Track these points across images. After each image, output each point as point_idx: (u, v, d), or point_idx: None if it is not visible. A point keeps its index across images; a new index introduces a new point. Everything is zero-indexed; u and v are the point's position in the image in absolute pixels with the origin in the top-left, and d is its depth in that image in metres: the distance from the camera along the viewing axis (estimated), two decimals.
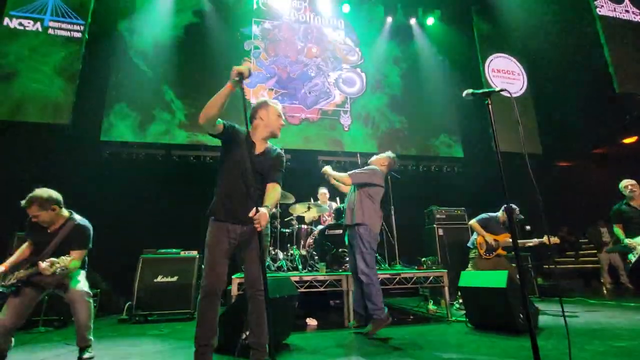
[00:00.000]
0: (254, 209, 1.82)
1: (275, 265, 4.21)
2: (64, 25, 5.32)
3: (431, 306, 4.39)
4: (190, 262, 4.35)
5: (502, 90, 1.72)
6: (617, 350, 2.39)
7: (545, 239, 4.10)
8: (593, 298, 5.34)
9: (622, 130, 7.22)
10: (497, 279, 3.04)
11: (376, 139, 6.74)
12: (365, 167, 3.48)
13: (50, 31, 5.24)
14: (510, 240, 4.17)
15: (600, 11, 5.50)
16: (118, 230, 4.97)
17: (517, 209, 4.36)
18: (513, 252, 4.28)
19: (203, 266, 2.00)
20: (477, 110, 6.51)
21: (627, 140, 7.54)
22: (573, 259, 7.50)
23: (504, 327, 3.00)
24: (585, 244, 7.38)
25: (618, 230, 4.15)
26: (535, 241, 4.29)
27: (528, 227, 5.45)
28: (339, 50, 7.07)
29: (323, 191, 5.48)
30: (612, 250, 4.89)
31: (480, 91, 1.73)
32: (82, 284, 2.44)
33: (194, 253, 4.40)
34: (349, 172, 3.39)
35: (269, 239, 2.39)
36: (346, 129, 6.62)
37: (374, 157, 3.66)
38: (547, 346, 2.54)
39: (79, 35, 5.31)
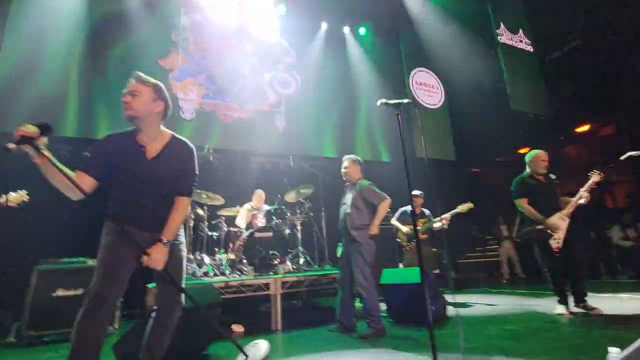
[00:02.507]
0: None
1: (201, 270, 3.99)
2: None
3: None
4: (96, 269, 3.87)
5: (409, 102, 1.87)
6: (507, 333, 2.76)
7: (458, 208, 4.55)
8: (494, 288, 6.13)
9: (518, 141, 8.46)
10: (412, 275, 3.29)
11: (310, 141, 6.82)
12: (366, 183, 3.36)
13: None
14: (425, 224, 4.65)
15: (500, 39, 6.38)
16: (3, 236, 4.20)
17: (421, 193, 4.81)
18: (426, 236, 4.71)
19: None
20: (403, 118, 7.02)
21: (522, 151, 8.86)
22: (481, 254, 8.51)
23: (419, 319, 3.26)
24: (490, 240, 8.43)
25: (525, 205, 3.39)
26: (446, 217, 4.57)
27: (445, 227, 5.80)
28: (274, 50, 7.02)
29: (259, 193, 5.36)
30: (522, 235, 3.45)
31: (392, 102, 1.87)
32: None
33: None
34: (380, 201, 3.23)
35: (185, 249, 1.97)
36: (280, 130, 6.58)
37: (352, 167, 3.45)
38: (451, 334, 2.83)
39: None
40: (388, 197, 3.27)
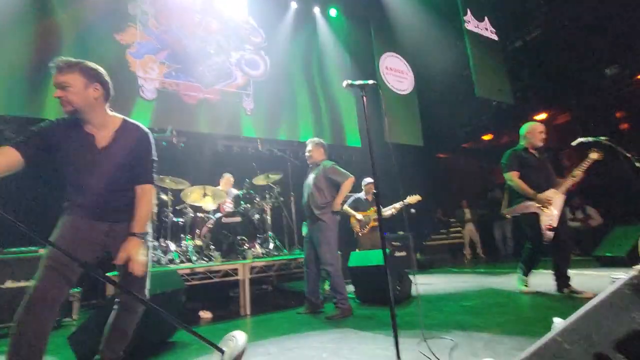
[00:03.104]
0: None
1: (167, 258, 3.86)
2: None
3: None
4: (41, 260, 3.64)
5: (374, 83, 1.86)
6: (465, 309, 2.92)
7: (407, 199, 4.76)
8: (456, 267, 6.46)
9: (482, 129, 8.80)
10: (378, 257, 3.38)
11: (279, 125, 6.69)
12: (329, 163, 3.40)
13: None
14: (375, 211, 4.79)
15: (467, 26, 6.50)
16: None
17: (370, 181, 4.90)
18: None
19: None
20: (372, 103, 7.05)
21: (486, 137, 9.24)
22: (445, 236, 8.91)
23: (383, 299, 3.37)
24: (454, 222, 8.83)
25: (515, 179, 3.14)
26: (396, 206, 4.84)
27: (413, 210, 5.85)
28: (242, 29, 6.72)
29: (227, 177, 5.23)
30: (510, 211, 3.25)
31: (357, 83, 1.84)
32: None
33: None
34: (344, 179, 3.26)
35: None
36: (248, 113, 6.39)
37: (315, 150, 3.46)
38: (414, 312, 2.95)
39: None
40: (352, 176, 3.32)
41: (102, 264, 1.88)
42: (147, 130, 1.76)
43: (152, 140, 1.77)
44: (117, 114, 1.74)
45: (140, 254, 1.58)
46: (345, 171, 3.36)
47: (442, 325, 2.45)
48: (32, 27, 4.83)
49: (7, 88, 4.56)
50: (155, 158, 1.78)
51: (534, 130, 3.28)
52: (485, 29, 6.83)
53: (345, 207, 4.87)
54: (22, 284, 3.47)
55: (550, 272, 3.23)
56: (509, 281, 4.03)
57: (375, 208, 4.81)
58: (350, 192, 5.32)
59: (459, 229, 8.51)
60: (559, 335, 0.90)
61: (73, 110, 1.55)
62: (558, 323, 1.82)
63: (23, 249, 3.59)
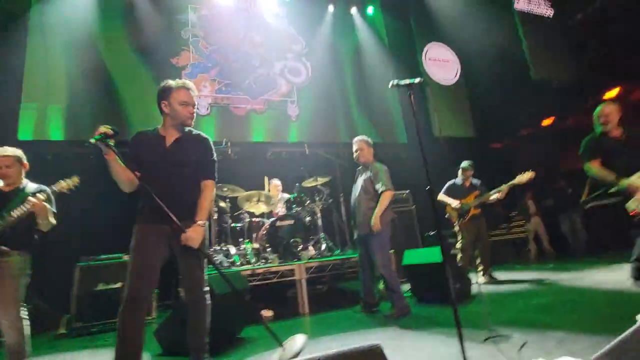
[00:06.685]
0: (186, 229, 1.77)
1: (228, 261, 4.15)
2: None
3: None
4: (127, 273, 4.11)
5: (421, 80, 1.85)
6: (534, 307, 2.75)
7: (516, 179, 4.20)
8: (521, 264, 6.03)
9: (541, 113, 8.10)
10: (434, 255, 3.30)
11: (324, 128, 6.82)
12: (379, 167, 3.31)
13: None
14: (477, 197, 4.33)
15: (516, 6, 6.05)
16: (46, 237, 4.51)
17: (470, 165, 4.55)
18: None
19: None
20: (417, 97, 6.88)
21: (546, 122, 8.48)
22: (505, 231, 8.33)
23: (443, 297, 3.28)
24: (516, 216, 8.22)
25: (597, 168, 2.87)
26: (501, 189, 4.26)
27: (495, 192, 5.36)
28: (283, 39, 6.98)
29: (276, 183, 5.45)
30: (590, 201, 3.12)
31: (403, 82, 1.85)
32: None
33: None
34: (383, 189, 3.17)
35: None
36: (293, 119, 6.61)
37: (365, 148, 3.39)
38: (477, 310, 2.84)
39: None
40: (392, 189, 3.21)
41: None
42: (206, 135, 2.05)
43: (212, 143, 2.04)
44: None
45: (199, 238, 1.81)
46: (387, 180, 3.23)
47: (509, 323, 2.33)
48: (98, 54, 5.53)
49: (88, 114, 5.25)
50: (215, 159, 2.04)
51: (596, 117, 2.99)
52: (538, 5, 6.30)
53: (440, 195, 4.62)
54: (111, 286, 3.98)
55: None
56: (583, 277, 3.68)
57: (476, 193, 4.48)
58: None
59: (520, 222, 7.89)
60: (635, 333, 0.85)
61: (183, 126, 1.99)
62: None
63: (110, 255, 4.11)
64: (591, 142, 2.98)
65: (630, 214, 2.70)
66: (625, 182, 2.70)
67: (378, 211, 3.12)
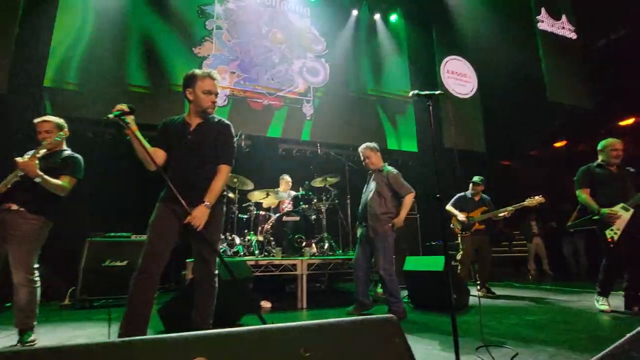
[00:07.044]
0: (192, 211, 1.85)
1: (232, 250, 4.25)
2: None
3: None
4: (142, 247, 4.23)
5: (441, 93, 1.92)
6: (528, 323, 2.80)
7: (526, 202, 4.23)
8: (518, 282, 6.05)
9: (553, 135, 8.10)
10: (436, 263, 3.37)
11: (337, 129, 6.90)
12: (394, 172, 3.39)
13: None
14: (484, 212, 4.40)
15: (540, 26, 6.08)
16: (65, 210, 4.66)
17: (481, 180, 4.58)
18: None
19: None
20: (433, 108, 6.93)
21: (558, 144, 8.47)
22: (507, 248, 8.34)
23: (440, 305, 3.34)
24: (517, 235, 8.23)
25: (583, 196, 3.25)
26: (509, 209, 4.31)
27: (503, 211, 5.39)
28: (304, 38, 7.08)
29: (287, 179, 5.53)
30: (575, 225, 3.45)
31: (424, 93, 1.91)
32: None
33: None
34: (406, 193, 3.27)
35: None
36: (308, 118, 6.70)
37: (373, 155, 3.48)
38: (472, 320, 2.90)
39: None
40: (413, 190, 3.30)
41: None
42: (228, 122, 2.14)
43: (233, 130, 2.14)
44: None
45: (203, 218, 1.87)
46: (407, 184, 3.32)
47: (502, 335, 2.39)
48: (123, 43, 5.67)
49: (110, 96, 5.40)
50: (234, 146, 2.14)
51: (607, 146, 3.30)
52: (562, 27, 6.33)
53: (448, 207, 4.69)
54: (118, 263, 4.09)
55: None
56: (579, 299, 3.72)
57: (483, 208, 4.54)
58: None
59: (523, 242, 7.91)
60: (626, 343, 0.91)
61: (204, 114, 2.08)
62: None
63: (120, 234, 4.22)
64: (586, 171, 3.34)
65: (608, 240, 3.06)
66: (606, 211, 3.07)
67: (404, 212, 3.24)
